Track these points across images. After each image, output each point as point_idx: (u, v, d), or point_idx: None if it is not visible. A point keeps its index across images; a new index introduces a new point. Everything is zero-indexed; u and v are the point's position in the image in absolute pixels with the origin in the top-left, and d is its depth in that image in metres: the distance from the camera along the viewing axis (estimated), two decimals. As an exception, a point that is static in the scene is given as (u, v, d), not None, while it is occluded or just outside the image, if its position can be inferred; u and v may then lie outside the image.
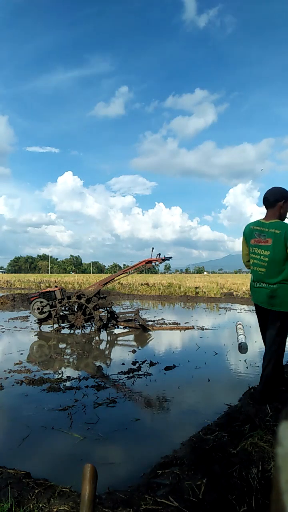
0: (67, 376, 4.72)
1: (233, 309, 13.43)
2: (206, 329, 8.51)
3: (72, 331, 7.99)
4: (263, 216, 3.22)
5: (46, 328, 8.30)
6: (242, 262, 3.45)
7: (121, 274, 8.42)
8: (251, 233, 3.19)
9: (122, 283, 23.65)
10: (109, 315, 8.46)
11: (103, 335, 7.91)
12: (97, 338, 7.55)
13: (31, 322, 9.39)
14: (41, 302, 8.13)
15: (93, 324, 8.15)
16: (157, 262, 7.91)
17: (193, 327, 8.66)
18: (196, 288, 20.63)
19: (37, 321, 8.41)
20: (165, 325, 9.01)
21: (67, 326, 8.30)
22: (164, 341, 7.22)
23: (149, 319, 9.84)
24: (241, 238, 3.34)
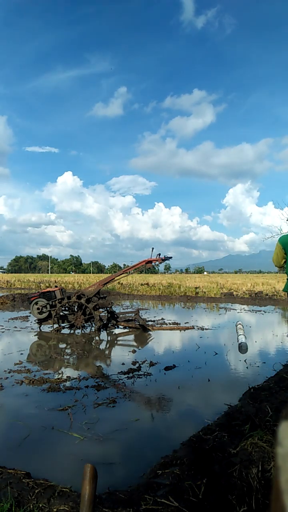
0: (67, 376, 4.72)
1: (233, 309, 13.43)
2: (206, 329, 8.51)
3: (72, 331, 7.98)
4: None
5: (46, 328, 8.30)
6: (273, 262, 4.13)
7: (121, 274, 8.41)
8: None
9: (122, 283, 23.65)
10: (109, 315, 8.46)
11: (103, 335, 7.91)
12: (97, 338, 7.55)
13: (31, 322, 9.39)
14: (41, 302, 8.14)
15: (93, 324, 8.15)
16: (157, 262, 7.91)
17: (193, 327, 8.66)
18: (196, 288, 20.64)
19: (37, 321, 8.41)
20: (165, 325, 9.00)
21: (67, 326, 8.30)
22: (164, 341, 7.22)
23: (149, 319, 9.84)
24: (276, 246, 4.04)
